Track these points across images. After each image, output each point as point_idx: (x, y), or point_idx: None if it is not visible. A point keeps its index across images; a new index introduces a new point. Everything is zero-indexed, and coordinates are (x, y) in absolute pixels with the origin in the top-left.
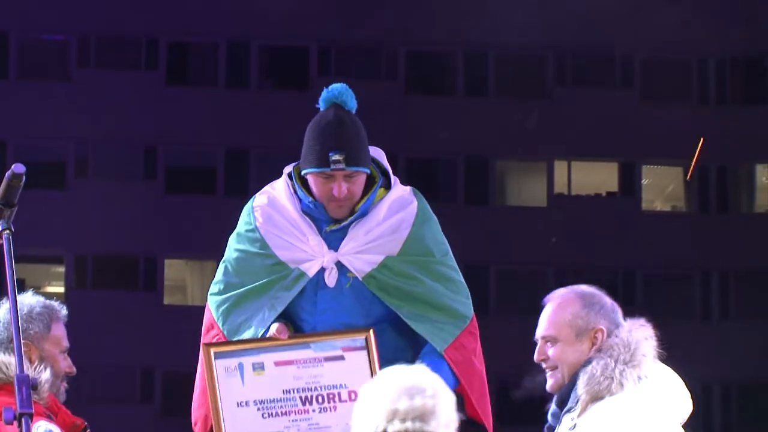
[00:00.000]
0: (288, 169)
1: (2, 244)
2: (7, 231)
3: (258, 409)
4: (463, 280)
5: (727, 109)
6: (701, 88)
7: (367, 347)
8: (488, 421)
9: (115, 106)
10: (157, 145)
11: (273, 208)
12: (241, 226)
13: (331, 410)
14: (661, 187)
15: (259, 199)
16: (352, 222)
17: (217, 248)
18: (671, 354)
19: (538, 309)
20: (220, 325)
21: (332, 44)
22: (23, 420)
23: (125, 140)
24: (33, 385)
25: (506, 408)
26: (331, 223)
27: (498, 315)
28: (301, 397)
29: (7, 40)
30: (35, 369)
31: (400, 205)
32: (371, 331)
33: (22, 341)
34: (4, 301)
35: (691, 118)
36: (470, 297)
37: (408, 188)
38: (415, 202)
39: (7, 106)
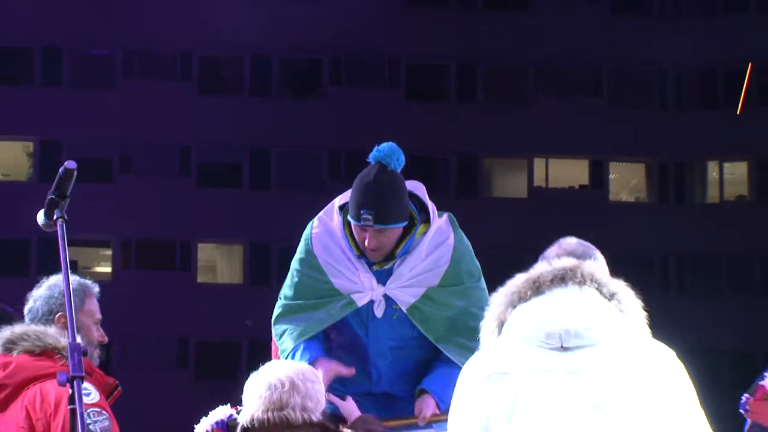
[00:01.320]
0: (340, 200)
1: (57, 230)
2: (61, 219)
3: None
4: (488, 297)
5: (683, 115)
6: (661, 96)
7: None
8: None
9: (155, 112)
10: (190, 145)
11: (330, 239)
12: (302, 250)
13: None
14: (626, 181)
15: (317, 228)
16: (396, 262)
17: (243, 234)
18: None
19: None
20: (274, 335)
21: (342, 57)
22: (75, 382)
23: (163, 141)
24: (84, 352)
25: None
26: (377, 264)
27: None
28: None
29: (61, 54)
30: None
31: (439, 240)
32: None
33: (62, 313)
34: (44, 280)
35: (652, 122)
36: None
37: (444, 218)
38: (452, 236)
39: (61, 111)
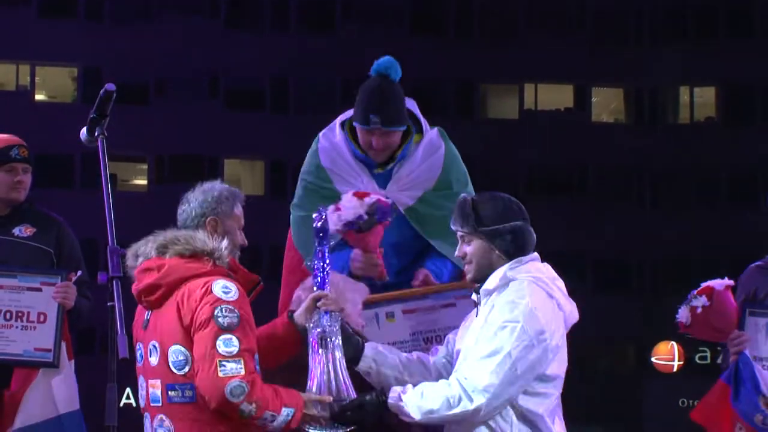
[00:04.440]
0: (341, 119)
1: (98, 146)
2: (102, 136)
3: None
4: None
5: (658, 47)
6: (637, 28)
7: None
8: None
9: (187, 43)
10: (218, 72)
11: (335, 152)
12: (310, 163)
13: None
14: (606, 104)
15: (324, 142)
16: (395, 166)
17: (263, 150)
18: (615, 236)
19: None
20: (294, 242)
21: None
22: (114, 282)
23: (195, 68)
24: (122, 255)
25: None
26: (378, 167)
27: None
28: (424, 338)
29: None
30: (215, 239)
31: (431, 149)
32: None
33: (213, 218)
34: (196, 186)
35: (628, 53)
36: None
37: (435, 131)
38: (443, 146)
39: (103, 42)
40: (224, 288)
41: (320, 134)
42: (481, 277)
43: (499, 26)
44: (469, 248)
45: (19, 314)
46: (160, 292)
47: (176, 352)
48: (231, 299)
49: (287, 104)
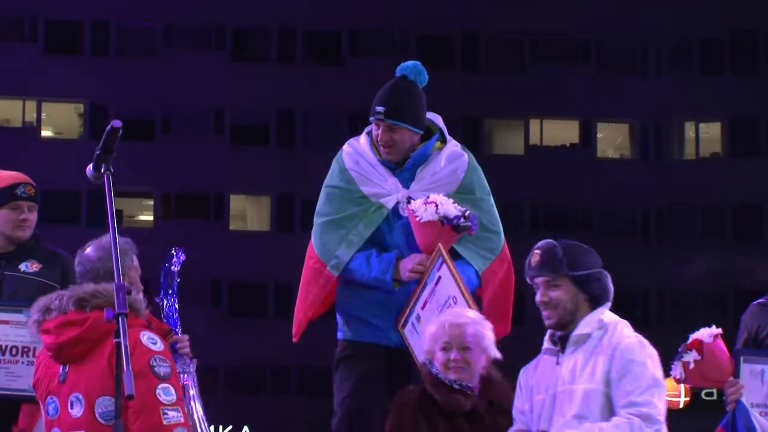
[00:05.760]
0: (367, 129)
1: (104, 182)
2: (108, 172)
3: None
4: (497, 215)
5: (663, 80)
6: (643, 63)
7: (444, 259)
8: (504, 326)
9: (192, 78)
10: (224, 107)
11: (359, 156)
12: (334, 169)
13: None
14: (612, 140)
15: (347, 148)
16: (414, 164)
17: (270, 186)
18: (620, 273)
19: (516, 234)
20: (315, 249)
21: (359, 30)
22: (120, 318)
23: (201, 103)
24: (128, 291)
25: None
26: (399, 166)
27: None
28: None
29: (108, 27)
30: (133, 293)
31: (455, 156)
32: (439, 245)
33: (125, 274)
34: (90, 244)
35: (635, 86)
36: (502, 228)
37: (459, 144)
38: (466, 156)
39: (108, 77)
40: (150, 339)
41: (347, 143)
42: (564, 323)
43: (504, 62)
44: (555, 293)
45: (25, 350)
46: (84, 345)
47: (104, 403)
48: (160, 350)
49: (293, 138)
